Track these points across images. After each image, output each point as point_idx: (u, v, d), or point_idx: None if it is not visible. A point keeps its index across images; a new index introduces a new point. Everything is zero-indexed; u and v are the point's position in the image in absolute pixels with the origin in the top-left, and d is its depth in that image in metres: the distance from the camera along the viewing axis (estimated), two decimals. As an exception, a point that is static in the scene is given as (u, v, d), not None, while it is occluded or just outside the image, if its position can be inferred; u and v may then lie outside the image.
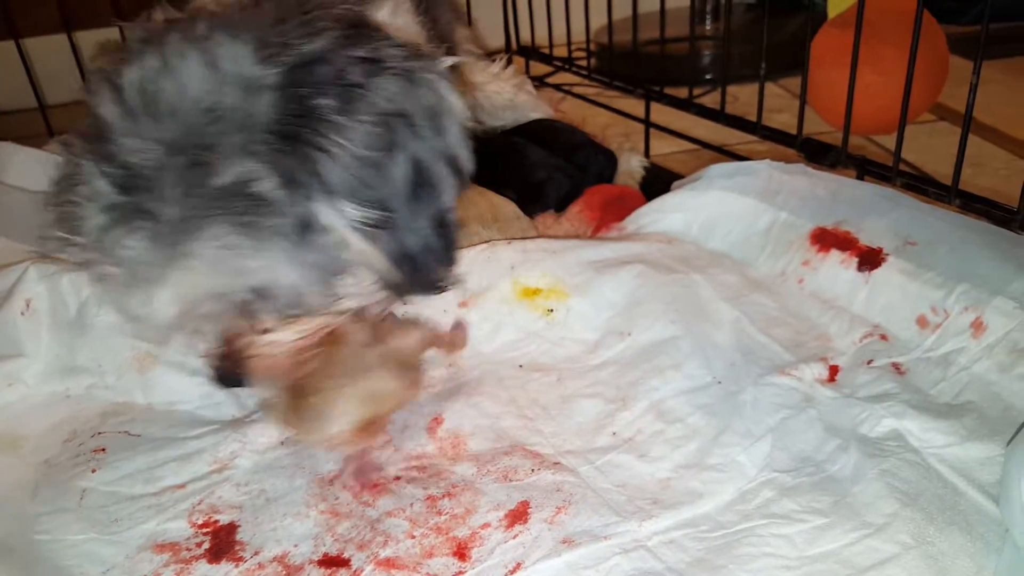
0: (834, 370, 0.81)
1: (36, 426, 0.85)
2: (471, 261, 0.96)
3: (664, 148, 1.45)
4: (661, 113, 1.40)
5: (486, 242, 1.00)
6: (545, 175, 1.19)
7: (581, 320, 0.92)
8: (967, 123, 0.90)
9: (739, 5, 2.17)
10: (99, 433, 0.83)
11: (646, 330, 0.88)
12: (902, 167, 1.01)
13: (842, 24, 1.10)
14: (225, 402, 0.87)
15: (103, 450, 0.81)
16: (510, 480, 0.73)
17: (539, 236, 1.05)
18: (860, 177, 1.02)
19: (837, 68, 1.00)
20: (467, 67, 1.30)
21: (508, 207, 1.11)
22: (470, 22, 1.73)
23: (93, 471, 0.78)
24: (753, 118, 1.17)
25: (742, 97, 1.68)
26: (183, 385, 0.88)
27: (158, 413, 0.87)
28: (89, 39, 1.31)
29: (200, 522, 0.72)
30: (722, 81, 1.25)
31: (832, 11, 1.15)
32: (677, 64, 1.62)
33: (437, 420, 0.82)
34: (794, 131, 1.14)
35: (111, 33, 1.11)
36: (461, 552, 0.66)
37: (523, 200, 1.19)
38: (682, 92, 1.38)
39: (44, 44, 1.62)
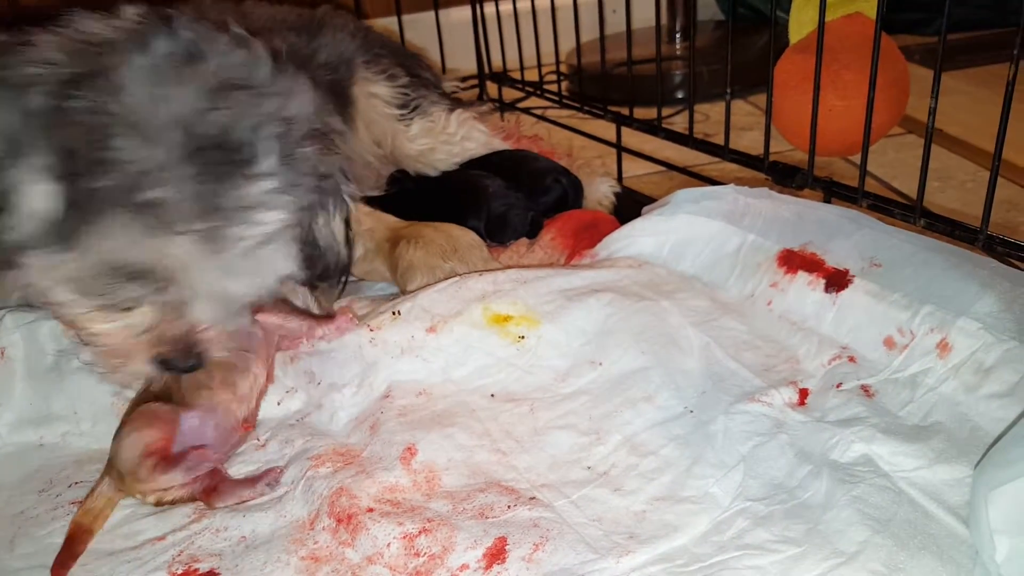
0: (804, 393, 0.83)
1: (9, 476, 0.85)
2: (440, 291, 0.97)
3: (636, 170, 1.47)
4: (632, 135, 1.41)
5: (454, 276, 1.02)
6: (505, 205, 1.21)
7: (552, 348, 0.93)
8: (928, 145, 0.92)
9: (708, 22, 2.20)
10: (76, 483, 0.83)
11: (617, 361, 0.89)
12: (868, 185, 1.02)
13: (804, 49, 1.12)
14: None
15: (80, 502, 0.80)
16: (486, 517, 0.73)
17: (507, 266, 1.06)
18: (827, 199, 1.04)
19: (800, 92, 1.02)
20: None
21: (466, 236, 1.12)
22: (442, 52, 1.75)
23: (71, 526, 0.77)
24: (723, 137, 1.19)
25: (712, 115, 1.71)
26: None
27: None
28: None
29: (180, 571, 0.72)
30: (690, 105, 1.26)
31: (793, 36, 1.17)
32: (647, 85, 1.63)
33: (410, 450, 0.82)
34: (763, 149, 1.16)
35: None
36: (441, 597, 0.66)
37: (489, 232, 1.20)
38: (652, 113, 1.39)
39: None
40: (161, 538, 0.76)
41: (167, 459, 0.77)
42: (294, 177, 0.74)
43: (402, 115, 1.28)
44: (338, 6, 1.42)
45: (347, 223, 0.85)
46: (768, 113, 1.09)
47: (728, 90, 1.12)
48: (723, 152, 1.17)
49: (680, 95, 1.81)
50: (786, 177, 1.06)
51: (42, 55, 0.68)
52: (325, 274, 0.95)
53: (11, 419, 0.89)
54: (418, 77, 1.32)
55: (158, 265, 0.70)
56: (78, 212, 0.68)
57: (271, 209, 0.71)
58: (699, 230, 1.03)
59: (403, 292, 1.08)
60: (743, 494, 0.72)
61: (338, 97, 1.22)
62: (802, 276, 0.93)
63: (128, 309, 0.74)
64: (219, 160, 0.68)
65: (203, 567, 0.72)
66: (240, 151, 0.69)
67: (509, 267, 1.06)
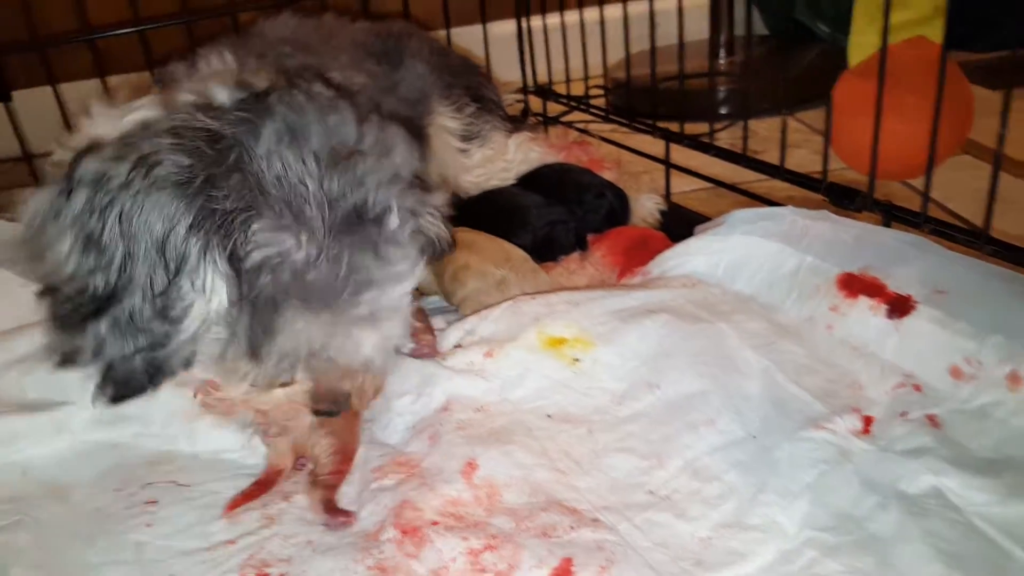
0: (868, 421, 0.82)
1: (84, 474, 0.87)
2: (496, 320, 0.98)
3: (683, 186, 1.47)
4: (678, 149, 1.41)
5: (505, 283, 1.05)
6: (549, 224, 1.22)
7: (607, 370, 0.93)
8: (996, 173, 0.91)
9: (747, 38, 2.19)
10: (149, 484, 0.85)
11: (675, 383, 0.89)
12: (929, 211, 1.02)
13: (863, 74, 1.12)
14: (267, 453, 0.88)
15: (154, 502, 0.82)
16: (550, 536, 0.74)
17: (560, 287, 1.07)
18: (886, 223, 1.03)
19: (860, 117, 1.01)
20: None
21: (517, 251, 1.14)
22: (488, 64, 1.76)
23: (148, 525, 0.79)
24: (771, 155, 1.19)
25: (760, 132, 1.70)
26: (227, 434, 0.89)
27: (204, 462, 0.88)
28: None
29: (252, 575, 0.74)
30: (743, 122, 1.26)
31: (853, 59, 1.16)
32: (693, 100, 1.64)
33: (471, 465, 0.82)
34: (813, 167, 1.16)
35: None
36: (510, 614, 0.67)
37: (536, 251, 1.21)
38: (699, 128, 1.40)
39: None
40: (232, 541, 0.78)
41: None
42: (413, 224, 0.78)
43: (465, 147, 1.32)
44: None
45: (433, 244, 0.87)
46: (827, 135, 1.09)
47: (783, 111, 1.11)
48: (778, 172, 1.17)
49: (723, 111, 1.80)
50: (844, 199, 1.06)
51: (174, 161, 0.69)
52: None
53: (85, 417, 0.90)
54: (483, 101, 1.35)
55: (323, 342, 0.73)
56: (251, 317, 0.71)
57: (407, 260, 0.74)
58: (755, 250, 1.03)
59: (450, 298, 1.10)
60: (810, 523, 0.72)
61: (414, 132, 1.25)
62: (863, 300, 0.92)
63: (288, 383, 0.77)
64: (356, 229, 0.71)
65: (273, 572, 0.74)
66: (371, 215, 0.72)
67: (563, 288, 1.06)
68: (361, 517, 0.79)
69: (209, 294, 0.71)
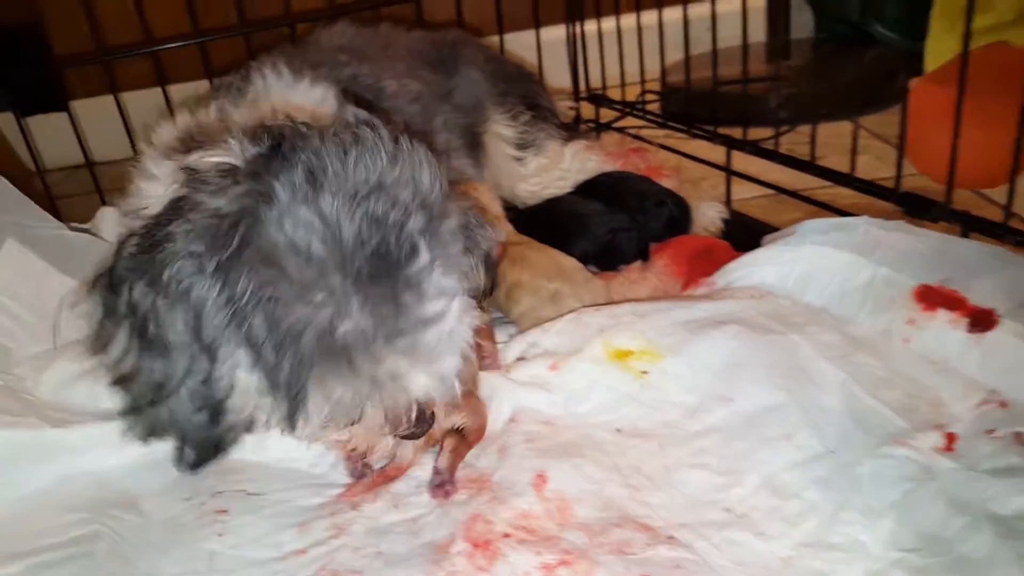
0: (951, 438, 0.80)
1: (154, 484, 0.88)
2: (559, 332, 0.97)
3: (743, 193, 1.44)
4: (738, 156, 1.39)
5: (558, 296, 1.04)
6: (611, 231, 1.20)
7: (677, 383, 0.91)
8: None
9: (804, 41, 2.16)
10: (219, 492, 0.86)
11: (749, 396, 0.87)
12: (1011, 222, 0.99)
13: (941, 80, 1.09)
14: (336, 462, 0.89)
15: (225, 511, 0.83)
16: (625, 553, 0.73)
17: (624, 299, 1.06)
18: (964, 234, 1.00)
19: (938, 124, 0.99)
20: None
21: (569, 261, 1.12)
22: (540, 70, 1.76)
23: (220, 535, 0.80)
24: (832, 160, 1.16)
25: (818, 137, 1.66)
26: (293, 444, 0.89)
27: (273, 471, 0.89)
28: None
29: (325, 586, 0.74)
30: (808, 124, 1.23)
31: (930, 64, 1.13)
32: (752, 105, 1.61)
33: (541, 477, 0.82)
34: (877, 174, 1.13)
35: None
36: (588, 633, 0.66)
37: (598, 260, 1.20)
38: (758, 133, 1.37)
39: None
40: (303, 551, 0.78)
41: None
42: (450, 248, 0.74)
43: (521, 156, 1.31)
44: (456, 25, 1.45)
45: (487, 255, 0.85)
46: (901, 142, 1.06)
47: (857, 121, 1.09)
48: (847, 180, 1.15)
49: (782, 116, 1.77)
50: (919, 209, 1.03)
51: (186, 249, 0.70)
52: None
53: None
54: (538, 109, 1.34)
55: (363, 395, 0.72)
56: (282, 390, 0.70)
57: (442, 297, 0.71)
58: (826, 261, 1.01)
59: (505, 311, 1.09)
60: (896, 543, 0.70)
61: (470, 141, 1.25)
62: (942, 314, 0.90)
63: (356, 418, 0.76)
64: (382, 275, 0.68)
65: (346, 584, 0.74)
66: (395, 256, 0.69)
67: (626, 299, 1.05)
68: (430, 531, 0.79)
69: (239, 378, 0.74)
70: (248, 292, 0.68)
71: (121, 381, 0.77)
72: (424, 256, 0.70)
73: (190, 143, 0.83)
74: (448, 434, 0.85)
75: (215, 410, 0.76)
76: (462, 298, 0.73)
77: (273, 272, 0.68)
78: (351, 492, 0.85)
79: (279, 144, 0.72)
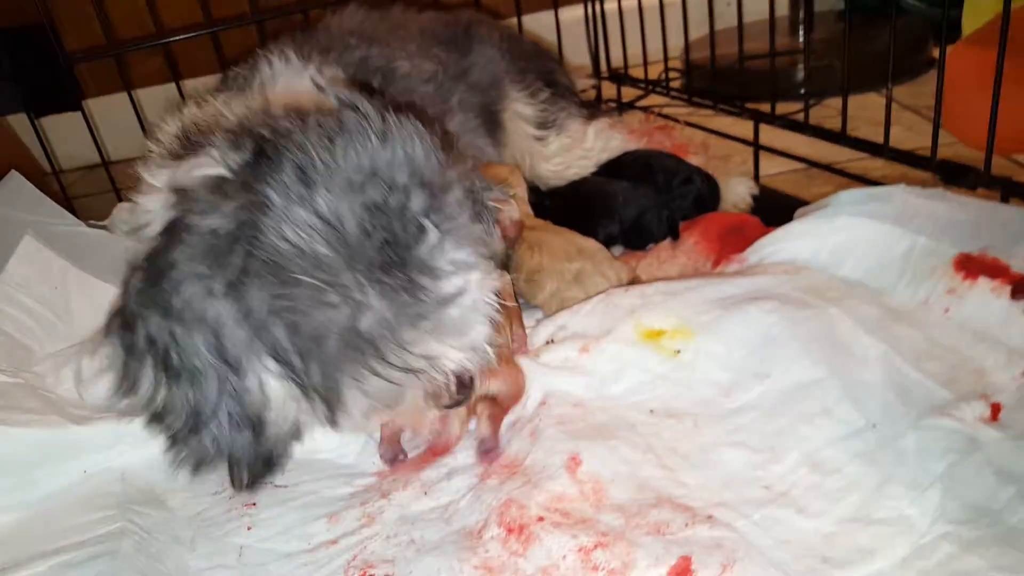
0: (996, 408, 0.77)
1: (180, 479, 0.86)
2: (588, 314, 0.95)
3: (770, 168, 1.41)
4: (765, 131, 1.35)
5: (577, 273, 1.03)
6: (638, 209, 1.18)
7: (712, 360, 0.89)
8: None
9: (828, 13, 2.11)
10: (246, 486, 0.84)
11: (786, 372, 0.84)
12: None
13: (979, 42, 1.05)
14: (363, 451, 0.88)
15: (253, 504, 0.82)
16: (663, 534, 0.71)
17: (653, 279, 1.04)
18: (1004, 200, 0.97)
19: (979, 89, 0.95)
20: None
21: (588, 242, 1.10)
22: (560, 51, 1.73)
23: (248, 528, 0.79)
24: (861, 132, 1.13)
25: (849, 110, 1.62)
26: (320, 435, 0.87)
27: (299, 462, 0.87)
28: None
29: (356, 576, 0.73)
30: (843, 100, 1.20)
31: (968, 27, 1.09)
32: (779, 79, 1.57)
33: (575, 460, 0.80)
34: (908, 145, 1.10)
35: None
36: (628, 616, 0.64)
37: (626, 239, 1.18)
38: (785, 108, 1.34)
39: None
40: (334, 542, 0.77)
41: None
42: (459, 219, 0.72)
43: (542, 135, 1.29)
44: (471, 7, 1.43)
45: (497, 223, 0.84)
46: (937, 109, 1.02)
47: (889, 85, 1.06)
48: (881, 151, 1.11)
49: (803, 91, 1.73)
50: (956, 177, 1.00)
51: (191, 272, 0.69)
52: None
53: (181, 422, 0.91)
54: (557, 86, 1.32)
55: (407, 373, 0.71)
56: (317, 394, 0.69)
57: (462, 266, 0.69)
58: (862, 233, 0.98)
59: (529, 298, 1.07)
60: (943, 517, 0.67)
61: (489, 120, 1.22)
62: (984, 282, 0.87)
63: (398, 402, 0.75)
64: (393, 258, 0.66)
65: (378, 572, 0.73)
66: (402, 241, 0.67)
67: (657, 279, 1.03)
68: (463, 517, 0.77)
69: (269, 392, 0.72)
70: (264, 306, 0.67)
71: (156, 418, 0.75)
72: (432, 235, 0.68)
73: (186, 143, 0.81)
74: (481, 400, 0.84)
75: (256, 425, 0.74)
76: (480, 267, 0.71)
77: (284, 281, 0.66)
78: (397, 471, 0.85)
79: (262, 148, 0.69)
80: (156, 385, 0.73)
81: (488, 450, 0.84)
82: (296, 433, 0.77)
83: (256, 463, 0.76)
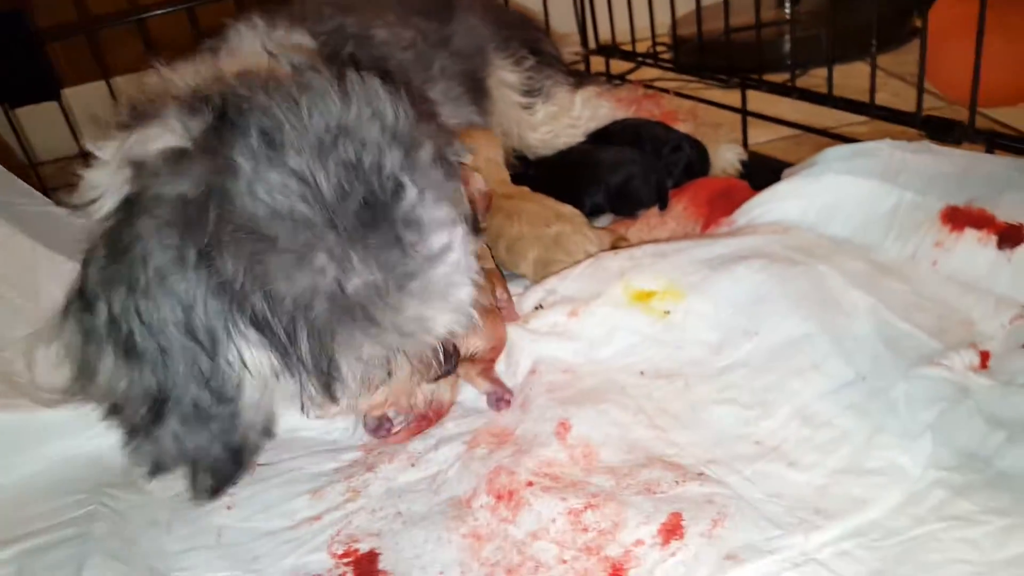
0: (985, 356, 0.76)
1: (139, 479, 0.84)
2: (577, 277, 0.94)
3: (760, 136, 1.40)
4: (754, 102, 1.34)
5: (557, 236, 1.02)
6: (625, 176, 1.16)
7: (701, 320, 0.88)
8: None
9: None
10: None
11: (776, 328, 0.84)
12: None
13: (962, -6, 1.03)
14: (349, 426, 0.87)
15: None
16: (654, 493, 0.70)
17: (640, 241, 1.02)
18: (989, 151, 0.96)
19: (961, 39, 0.94)
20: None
21: (566, 207, 1.09)
22: (547, 26, 1.71)
23: (228, 508, 0.77)
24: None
25: (834, 79, 1.61)
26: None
27: (281, 440, 0.84)
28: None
29: (340, 552, 0.72)
30: (828, 61, 1.19)
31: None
32: (766, 50, 1.56)
33: (564, 425, 0.79)
34: (898, 109, 1.08)
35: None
36: (618, 574, 0.63)
37: (613, 206, 1.17)
38: (773, 79, 1.33)
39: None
40: (317, 517, 0.75)
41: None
42: (433, 175, 0.69)
43: (528, 103, 1.27)
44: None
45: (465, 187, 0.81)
46: (922, 64, 1.01)
47: (873, 40, 1.04)
48: (868, 109, 1.10)
49: (790, 61, 1.72)
50: (942, 131, 0.99)
51: (159, 243, 0.64)
52: None
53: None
54: (542, 55, 1.30)
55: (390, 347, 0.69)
56: (307, 363, 0.66)
57: (443, 228, 0.67)
58: (849, 190, 0.97)
59: (512, 267, 1.06)
60: (935, 463, 0.67)
61: (473, 87, 1.20)
62: (970, 233, 0.86)
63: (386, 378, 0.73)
64: (374, 217, 0.64)
65: (363, 547, 0.72)
66: (382, 199, 0.64)
67: (645, 242, 1.02)
68: (451, 486, 0.76)
69: (251, 366, 0.67)
70: (240, 272, 0.63)
71: (114, 410, 0.71)
72: (412, 191, 0.65)
73: (133, 112, 0.75)
74: (463, 363, 0.83)
75: (225, 416, 0.69)
76: (460, 224, 0.69)
77: (261, 245, 0.62)
78: (385, 443, 0.84)
79: (224, 112, 0.66)
80: (115, 373, 0.68)
81: (499, 397, 0.84)
82: (269, 426, 0.74)
83: (221, 461, 0.71)
